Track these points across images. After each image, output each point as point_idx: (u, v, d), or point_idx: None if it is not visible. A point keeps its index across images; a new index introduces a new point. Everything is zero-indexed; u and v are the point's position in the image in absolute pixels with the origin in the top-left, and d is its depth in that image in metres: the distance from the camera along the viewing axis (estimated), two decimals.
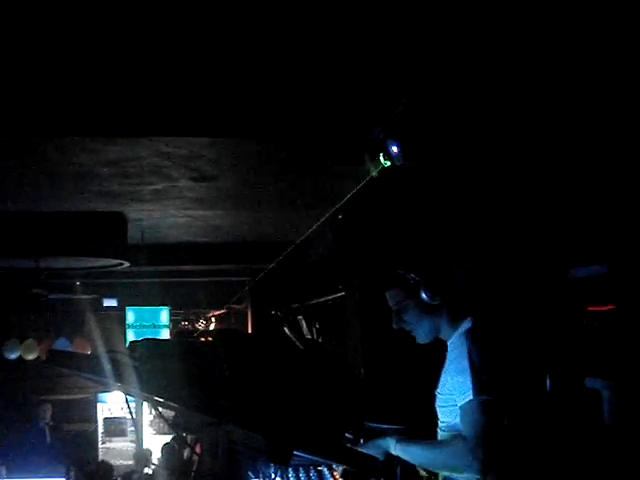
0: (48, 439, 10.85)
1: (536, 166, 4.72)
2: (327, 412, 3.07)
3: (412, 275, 3.00)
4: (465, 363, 2.85)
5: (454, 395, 2.89)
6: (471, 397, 2.79)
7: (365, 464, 2.98)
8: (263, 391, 2.76)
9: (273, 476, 3.64)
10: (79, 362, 2.75)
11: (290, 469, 3.77)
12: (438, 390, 3.05)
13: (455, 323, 3.02)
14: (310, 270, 8.64)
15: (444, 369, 3.04)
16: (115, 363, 2.63)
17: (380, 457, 3.04)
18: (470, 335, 2.92)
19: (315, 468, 3.90)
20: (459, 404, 2.84)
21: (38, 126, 4.72)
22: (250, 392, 2.72)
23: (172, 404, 2.81)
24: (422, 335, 3.09)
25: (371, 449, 3.05)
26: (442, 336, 3.09)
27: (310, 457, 3.09)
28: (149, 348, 2.84)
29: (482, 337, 2.92)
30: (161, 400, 2.81)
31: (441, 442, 2.92)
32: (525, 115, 4.45)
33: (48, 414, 11.02)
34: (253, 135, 5.01)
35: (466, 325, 2.99)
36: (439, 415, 3.04)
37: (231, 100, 4.68)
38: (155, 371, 2.66)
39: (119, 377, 2.60)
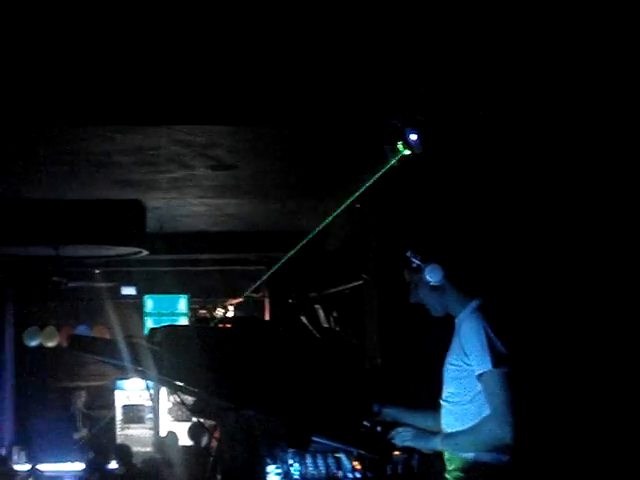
0: (80, 426, 10.93)
1: (547, 156, 4.72)
2: (344, 399, 3.08)
3: (416, 260, 3.11)
4: (478, 338, 2.97)
5: (468, 366, 2.98)
6: (490, 368, 2.90)
7: (383, 451, 3.00)
8: (281, 378, 2.77)
9: (291, 462, 3.66)
10: (100, 347, 2.78)
11: (308, 456, 3.80)
12: (448, 360, 3.13)
13: (463, 301, 3.13)
14: (328, 259, 8.65)
15: (453, 342, 3.13)
16: (135, 348, 2.65)
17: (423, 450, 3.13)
18: (482, 312, 3.05)
19: (333, 455, 3.93)
20: (477, 373, 2.95)
21: (58, 115, 4.75)
22: (269, 379, 2.73)
23: (191, 389, 2.84)
24: (433, 310, 3.22)
25: (416, 442, 3.11)
26: (451, 312, 3.21)
27: (328, 443, 3.11)
28: (169, 334, 2.87)
29: (493, 313, 3.06)
30: (181, 385, 2.83)
31: (475, 427, 2.98)
32: (538, 105, 4.44)
33: (81, 401, 11.10)
34: (271, 123, 5.02)
35: (475, 304, 3.09)
36: (445, 386, 3.11)
37: (250, 88, 4.69)
38: (175, 356, 2.68)
39: (140, 362, 2.62)
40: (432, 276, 3.10)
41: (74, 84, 4.61)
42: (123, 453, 8.40)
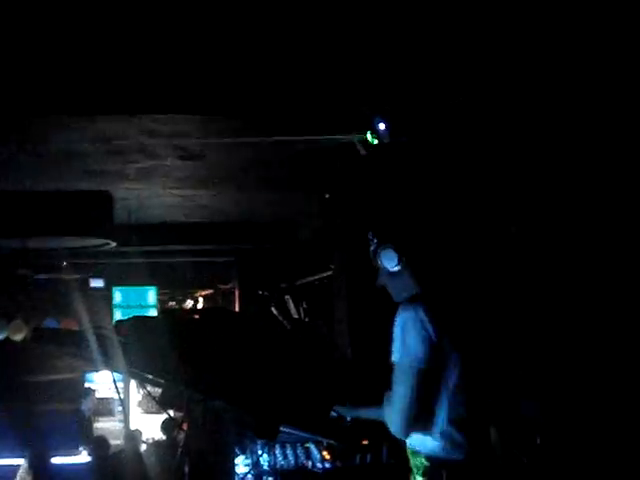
0: (46, 420, 10.80)
1: (510, 147, 4.74)
2: (313, 390, 3.08)
3: (373, 244, 3.13)
4: (397, 329, 2.95)
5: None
6: (396, 360, 2.91)
7: (351, 440, 3.00)
8: (250, 368, 2.76)
9: (260, 452, 3.65)
10: (65, 339, 2.74)
11: (277, 446, 3.79)
12: None
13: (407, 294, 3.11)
14: (297, 250, 8.64)
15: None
16: (102, 339, 2.62)
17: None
18: (412, 303, 2.99)
19: (302, 445, 3.92)
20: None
21: (23, 105, 4.69)
22: (237, 369, 2.72)
23: (159, 380, 2.81)
24: (393, 295, 3.19)
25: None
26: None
27: (297, 433, 3.11)
28: (136, 325, 2.84)
29: (436, 304, 3.01)
30: (148, 376, 2.81)
31: (383, 410, 2.99)
32: (504, 96, 4.46)
33: (48, 396, 10.97)
34: (238, 113, 4.99)
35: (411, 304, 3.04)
36: None
37: (217, 78, 4.66)
38: (142, 347, 2.65)
39: (106, 353, 2.59)
40: (387, 261, 3.09)
41: (39, 73, 4.55)
42: (98, 445, 8.34)
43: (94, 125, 5.14)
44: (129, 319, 2.99)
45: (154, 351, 2.64)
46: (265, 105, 4.84)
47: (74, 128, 5.19)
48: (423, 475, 2.96)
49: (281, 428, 2.72)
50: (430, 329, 2.89)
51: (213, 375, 2.63)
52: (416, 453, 3.01)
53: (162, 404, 3.12)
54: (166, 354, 2.63)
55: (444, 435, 2.90)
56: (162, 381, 2.82)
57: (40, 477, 7.96)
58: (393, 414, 2.88)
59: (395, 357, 2.91)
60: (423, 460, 2.97)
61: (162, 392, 3.09)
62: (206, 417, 2.77)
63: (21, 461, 8.52)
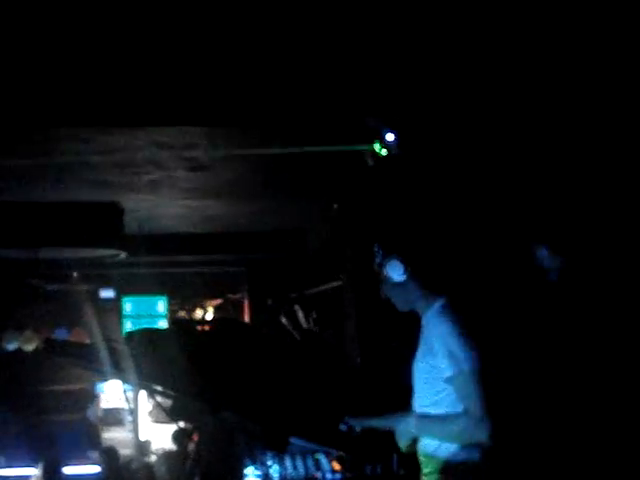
0: (58, 430, 10.84)
1: (517, 156, 4.75)
2: (323, 400, 3.09)
3: (378, 255, 3.16)
4: (446, 339, 2.96)
5: (435, 368, 2.99)
6: (460, 369, 2.91)
7: (362, 451, 3.01)
8: (259, 380, 2.77)
9: (270, 464, 3.66)
10: (76, 350, 2.76)
11: (287, 457, 3.79)
12: (417, 361, 3.12)
13: (429, 299, 3.13)
14: (307, 260, 8.65)
15: (420, 342, 3.14)
16: (112, 351, 2.65)
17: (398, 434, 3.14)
18: (448, 311, 3.04)
19: (312, 456, 3.92)
20: (446, 376, 2.94)
21: (33, 117, 4.72)
22: (247, 381, 2.73)
23: (170, 392, 2.83)
24: (399, 305, 3.23)
25: (391, 423, 3.12)
26: (417, 309, 3.20)
27: (307, 444, 3.12)
28: (146, 337, 2.86)
29: (460, 311, 3.06)
30: (159, 388, 2.83)
31: (451, 418, 2.98)
32: (519, 108, 4.46)
33: (60, 405, 11.02)
34: (247, 124, 5.01)
35: (440, 303, 3.08)
36: (415, 387, 3.11)
37: (225, 90, 4.69)
38: (152, 359, 2.67)
39: (116, 365, 2.61)
40: (393, 272, 3.11)
41: (51, 86, 4.59)
42: (109, 456, 8.37)
43: (104, 137, 5.18)
44: (139, 330, 3.02)
45: (164, 363, 2.66)
46: (274, 116, 4.86)
47: (85, 140, 5.23)
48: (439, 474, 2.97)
49: (290, 439, 2.73)
50: None
51: (223, 387, 2.65)
52: (431, 457, 3.02)
53: (172, 415, 3.14)
54: (176, 366, 2.65)
55: None
56: (172, 393, 2.84)
57: None
58: (478, 422, 2.89)
59: (455, 368, 2.93)
60: (438, 463, 2.97)
61: (172, 403, 3.11)
62: (216, 428, 2.79)
63: (34, 471, 8.58)
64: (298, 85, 4.70)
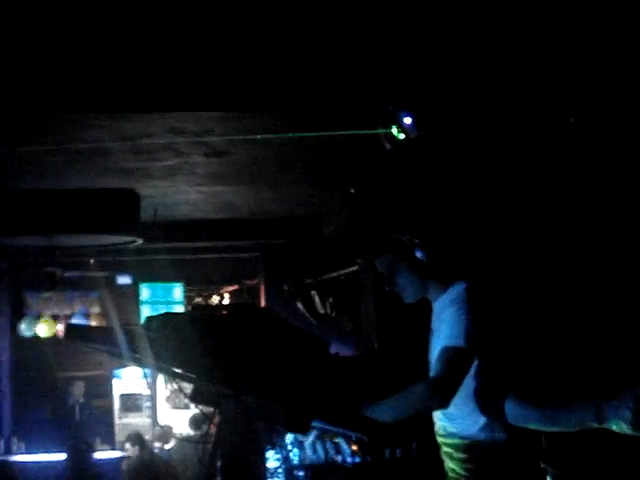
0: (77, 416, 10.96)
1: (538, 141, 4.71)
2: (341, 384, 3.08)
3: (407, 236, 3.09)
4: (452, 318, 2.96)
5: None
6: (459, 344, 2.89)
7: (383, 434, 3.00)
8: (279, 363, 2.77)
9: (290, 448, 3.67)
10: (98, 335, 2.76)
11: (307, 441, 3.80)
12: (432, 346, 3.10)
13: (444, 285, 3.10)
14: (322, 245, 8.65)
15: (434, 327, 3.11)
16: (133, 335, 2.64)
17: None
18: (466, 293, 3.01)
19: (332, 440, 3.93)
20: (445, 345, 2.93)
21: (50, 104, 4.73)
22: (267, 364, 2.73)
23: (190, 375, 2.83)
24: (411, 295, 3.18)
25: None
26: (429, 296, 3.17)
27: (327, 427, 3.12)
28: (167, 321, 2.86)
29: (477, 295, 3.03)
30: (179, 372, 2.83)
31: (405, 392, 2.96)
32: (531, 93, 4.43)
33: (79, 391, 11.15)
34: (264, 109, 5.00)
35: (459, 287, 3.06)
36: (432, 372, 3.08)
37: (241, 75, 4.67)
38: (173, 343, 2.67)
39: (137, 349, 2.61)
40: (425, 252, 3.07)
41: (66, 72, 4.59)
42: (136, 441, 8.45)
43: (121, 123, 5.19)
44: (160, 315, 3.02)
45: (185, 346, 2.66)
46: (290, 101, 4.85)
47: (101, 126, 5.24)
48: (462, 461, 2.96)
49: (313, 422, 2.73)
50: None
51: (244, 370, 2.65)
52: (450, 437, 3.01)
53: (193, 399, 3.14)
54: (197, 349, 2.64)
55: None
56: (193, 376, 2.84)
57: (80, 471, 8.08)
58: (437, 390, 2.91)
59: (454, 341, 2.93)
60: (459, 444, 2.97)
61: (194, 387, 3.11)
62: (237, 412, 2.78)
63: (60, 456, 8.68)
64: (315, 69, 4.68)
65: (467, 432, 2.97)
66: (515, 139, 4.71)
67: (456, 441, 3.00)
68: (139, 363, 2.94)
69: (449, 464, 3.05)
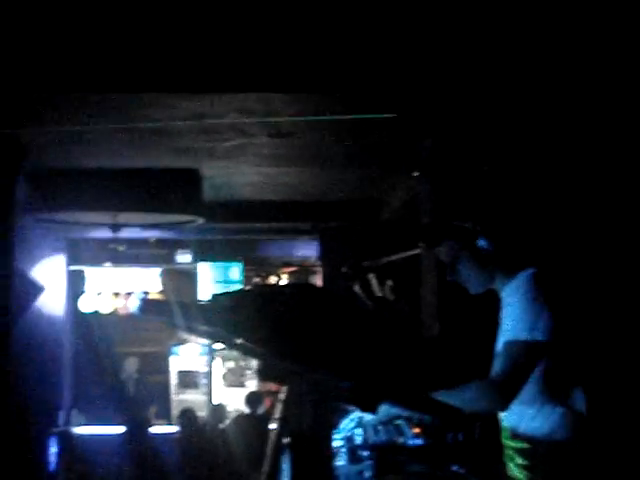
0: (131, 391, 11.19)
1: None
2: (406, 366, 3.08)
3: (470, 224, 3.02)
4: (518, 306, 2.85)
5: None
6: (525, 338, 2.78)
7: (449, 416, 2.99)
8: (348, 343, 2.78)
9: (352, 427, 3.68)
10: (173, 310, 2.81)
11: (368, 423, 3.80)
12: (500, 339, 3.03)
13: (511, 273, 2.99)
14: (382, 228, 8.63)
15: (503, 318, 3.01)
16: (205, 311, 2.68)
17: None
18: (534, 280, 2.90)
19: (393, 423, 3.92)
20: (510, 338, 2.82)
21: (118, 83, 4.80)
22: (336, 342, 2.75)
23: (260, 351, 2.86)
24: (476, 286, 3.08)
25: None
26: (495, 286, 3.07)
27: (396, 408, 3.13)
28: (235, 297, 2.89)
29: (546, 283, 2.92)
30: (250, 347, 2.86)
31: (463, 389, 2.88)
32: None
33: (133, 367, 11.38)
34: (329, 91, 5.00)
35: (525, 274, 2.94)
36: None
37: (308, 56, 4.68)
38: (244, 319, 2.70)
39: (210, 324, 2.65)
40: (488, 240, 2.97)
41: (133, 50, 4.65)
42: (187, 418, 8.60)
43: (187, 103, 5.23)
44: (225, 292, 3.05)
45: (254, 323, 2.69)
46: (356, 82, 4.84)
47: (168, 106, 5.29)
48: (527, 458, 2.89)
49: (380, 401, 2.74)
50: None
51: (315, 347, 2.67)
52: (515, 430, 2.94)
53: (262, 376, 3.18)
54: (265, 326, 2.67)
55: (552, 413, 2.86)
56: (263, 352, 2.87)
57: (137, 445, 8.25)
58: (504, 392, 2.81)
59: (522, 334, 2.82)
60: (525, 447, 2.90)
61: (261, 364, 3.15)
62: (306, 390, 2.81)
63: (120, 429, 8.89)
64: (380, 51, 4.66)
65: (533, 433, 2.87)
66: (587, 128, 4.65)
67: (519, 444, 2.92)
68: (212, 338, 2.99)
69: (513, 471, 2.97)
